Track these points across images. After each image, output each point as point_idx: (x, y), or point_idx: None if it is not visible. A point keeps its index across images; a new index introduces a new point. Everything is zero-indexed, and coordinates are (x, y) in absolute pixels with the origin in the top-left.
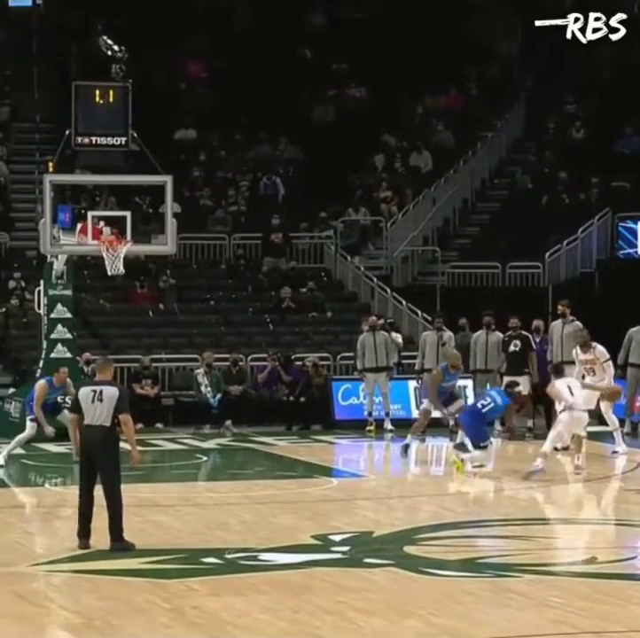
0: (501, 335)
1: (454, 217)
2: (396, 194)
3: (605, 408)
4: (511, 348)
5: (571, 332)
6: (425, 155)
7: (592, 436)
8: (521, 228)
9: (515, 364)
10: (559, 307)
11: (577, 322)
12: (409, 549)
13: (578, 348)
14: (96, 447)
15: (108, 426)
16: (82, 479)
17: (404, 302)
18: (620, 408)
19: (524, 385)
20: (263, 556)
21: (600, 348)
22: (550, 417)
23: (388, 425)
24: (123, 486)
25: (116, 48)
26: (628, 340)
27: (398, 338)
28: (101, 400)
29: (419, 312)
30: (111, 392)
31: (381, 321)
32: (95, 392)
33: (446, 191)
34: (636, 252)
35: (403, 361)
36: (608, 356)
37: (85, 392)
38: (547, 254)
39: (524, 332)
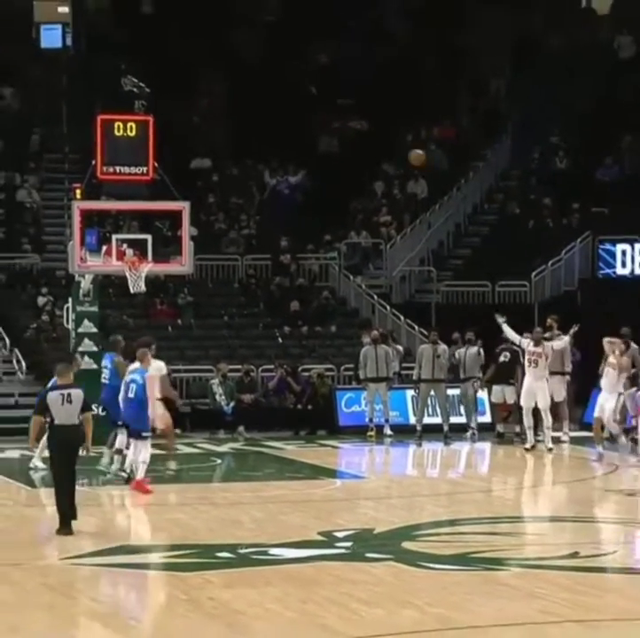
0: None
1: (447, 240)
2: (395, 219)
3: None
4: (501, 359)
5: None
6: (421, 183)
7: (575, 441)
8: (509, 249)
9: (503, 374)
10: (549, 320)
11: (564, 336)
12: (407, 545)
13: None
14: (75, 443)
15: (78, 424)
16: (64, 476)
17: (402, 318)
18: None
19: (510, 394)
20: (273, 550)
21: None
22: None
23: (388, 431)
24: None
25: (140, 85)
26: None
27: (399, 347)
28: (70, 402)
29: (416, 327)
30: (77, 393)
31: (376, 332)
32: (63, 395)
33: (440, 216)
34: (615, 272)
35: (402, 372)
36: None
37: (55, 396)
38: (533, 274)
39: (514, 346)
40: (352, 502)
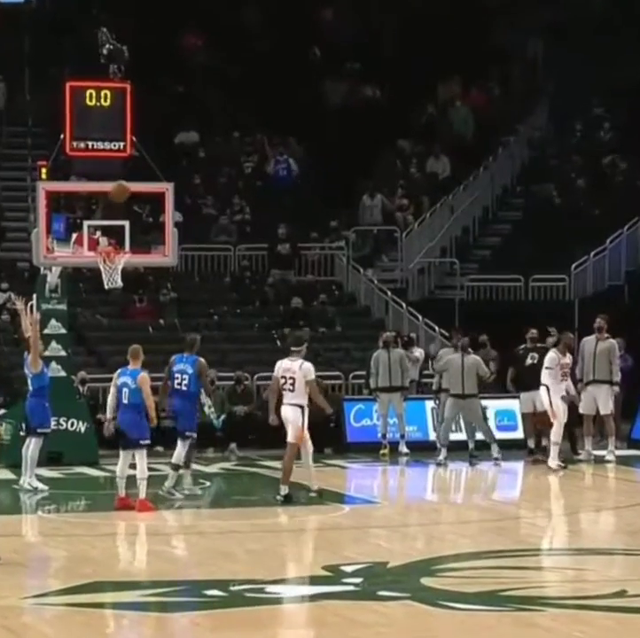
0: (476, 357)
1: (473, 227)
2: (412, 202)
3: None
4: (528, 361)
5: (605, 349)
6: (442, 160)
7: (620, 461)
8: (545, 238)
9: (532, 378)
10: (598, 320)
11: (612, 340)
12: (425, 581)
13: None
14: None
15: None
16: None
17: (420, 317)
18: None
19: (540, 400)
20: (270, 588)
21: None
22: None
23: (403, 448)
24: (125, 514)
25: (116, 45)
26: None
27: (416, 351)
28: None
29: (436, 327)
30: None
31: (389, 334)
32: None
33: (465, 199)
34: None
35: (422, 380)
36: None
37: None
38: (573, 266)
39: (541, 344)
40: (362, 532)
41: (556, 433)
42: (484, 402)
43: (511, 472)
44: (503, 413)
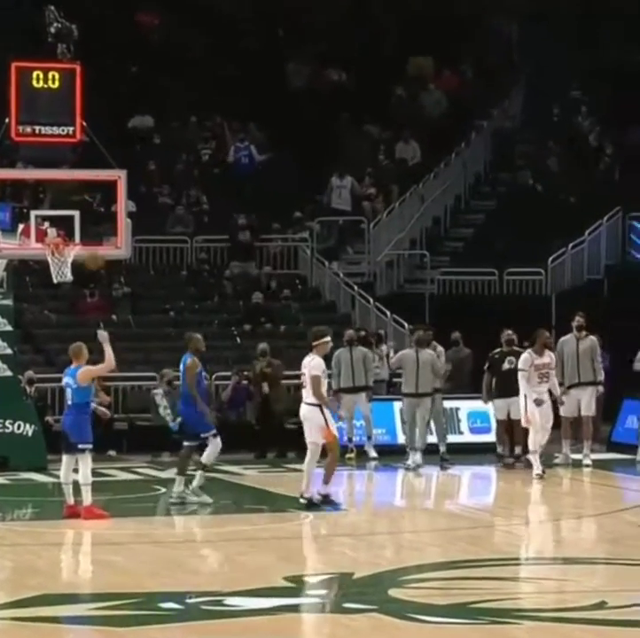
0: (431, 352)
1: (445, 217)
2: (380, 191)
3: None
4: (505, 366)
5: (587, 348)
6: (412, 146)
7: (599, 465)
8: (521, 229)
9: (509, 384)
10: (578, 318)
11: (593, 337)
12: (393, 592)
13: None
14: None
15: None
16: None
17: (388, 313)
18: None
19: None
20: (229, 600)
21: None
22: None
23: (371, 452)
24: (74, 523)
25: (65, 23)
26: None
27: (383, 348)
28: None
29: (406, 324)
30: None
31: (352, 331)
32: None
33: (436, 188)
34: None
35: (394, 380)
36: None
37: None
38: (550, 259)
39: (518, 347)
40: (327, 540)
41: (532, 442)
42: (456, 403)
43: (483, 478)
44: (475, 415)
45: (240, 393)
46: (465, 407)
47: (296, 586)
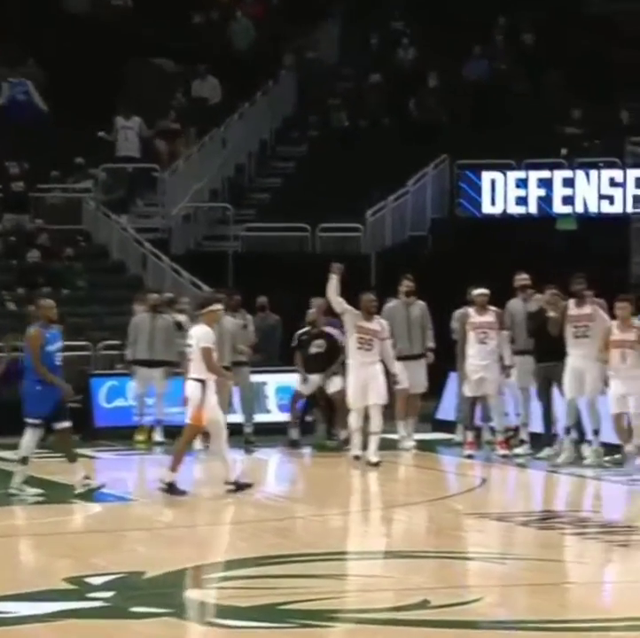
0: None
1: (249, 164)
2: (175, 134)
3: None
4: (313, 350)
5: (418, 316)
6: (210, 82)
7: (424, 445)
8: (336, 179)
9: (319, 365)
10: (406, 282)
11: (421, 302)
12: (192, 594)
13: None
14: None
15: None
16: None
17: (186, 274)
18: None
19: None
20: (1, 605)
21: None
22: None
23: (158, 436)
24: None
25: None
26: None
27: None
28: None
29: (205, 286)
30: None
31: (156, 295)
32: None
33: (239, 131)
34: (480, 211)
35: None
36: None
37: None
38: (369, 213)
39: (327, 329)
40: (114, 535)
41: (351, 420)
42: (263, 377)
43: (294, 462)
44: (284, 390)
45: (13, 368)
46: (274, 381)
47: (79, 587)
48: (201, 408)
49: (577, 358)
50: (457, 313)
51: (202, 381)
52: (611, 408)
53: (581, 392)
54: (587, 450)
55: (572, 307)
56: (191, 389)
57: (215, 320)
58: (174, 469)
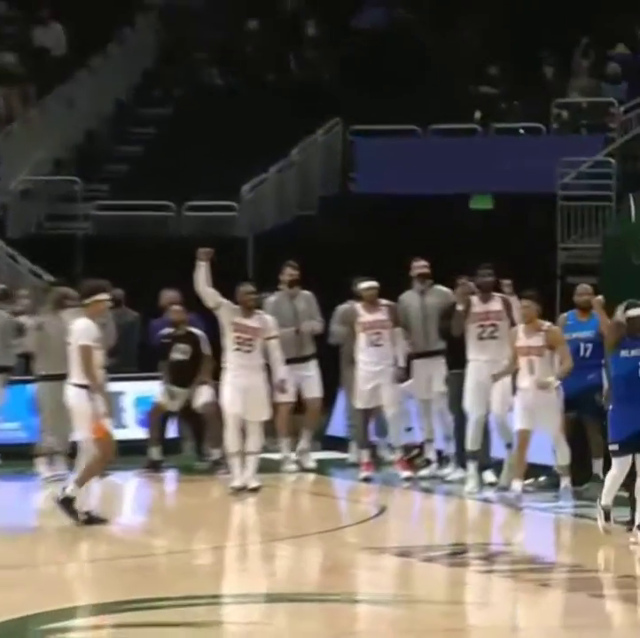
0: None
1: (102, 129)
2: (10, 92)
3: None
4: (177, 356)
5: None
6: (54, 29)
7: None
8: (206, 147)
9: (184, 376)
10: (289, 270)
11: (307, 293)
12: None
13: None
14: None
15: None
16: None
17: (24, 260)
18: None
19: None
20: None
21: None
22: None
23: None
24: None
25: None
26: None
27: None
28: None
29: (47, 275)
30: None
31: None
32: None
33: (90, 89)
34: (378, 187)
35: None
36: None
37: None
38: (245, 188)
39: (193, 330)
40: None
41: (228, 441)
42: (119, 386)
43: (157, 488)
44: (144, 401)
45: None
46: (132, 391)
47: None
48: (97, 417)
49: (481, 365)
50: (340, 310)
51: (86, 386)
52: (515, 424)
53: (486, 407)
54: (490, 476)
55: (476, 304)
56: (75, 398)
57: (100, 312)
58: (80, 484)
